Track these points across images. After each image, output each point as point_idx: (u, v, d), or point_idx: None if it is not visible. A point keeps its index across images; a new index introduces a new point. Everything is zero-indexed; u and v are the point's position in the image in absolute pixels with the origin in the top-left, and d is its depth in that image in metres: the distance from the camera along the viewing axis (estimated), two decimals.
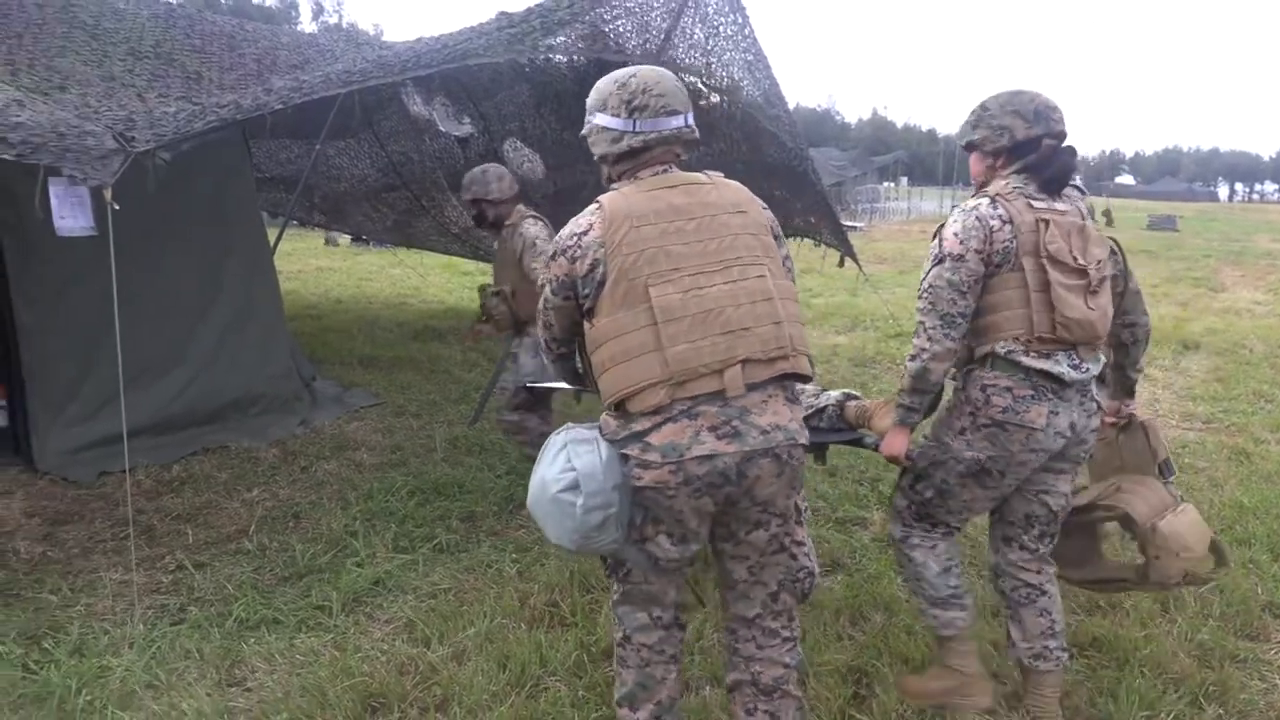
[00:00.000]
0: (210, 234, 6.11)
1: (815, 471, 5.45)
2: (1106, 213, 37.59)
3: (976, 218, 2.72)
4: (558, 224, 2.77)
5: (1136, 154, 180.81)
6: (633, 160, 2.50)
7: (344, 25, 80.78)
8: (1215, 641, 3.56)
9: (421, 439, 6.21)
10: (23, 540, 4.44)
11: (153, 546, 4.40)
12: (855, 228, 25.94)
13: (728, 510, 2.43)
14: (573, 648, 3.42)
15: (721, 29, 5.85)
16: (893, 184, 48.96)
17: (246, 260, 6.42)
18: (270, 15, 71.69)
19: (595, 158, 2.58)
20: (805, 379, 2.50)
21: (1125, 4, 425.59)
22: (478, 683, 3.20)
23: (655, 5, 5.49)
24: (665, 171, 2.50)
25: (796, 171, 6.70)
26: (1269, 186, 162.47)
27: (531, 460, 4.99)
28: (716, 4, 5.72)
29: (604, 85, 2.52)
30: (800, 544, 2.55)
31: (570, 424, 2.52)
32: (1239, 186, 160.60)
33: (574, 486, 2.32)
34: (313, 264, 17.30)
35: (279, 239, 7.82)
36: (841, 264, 7.82)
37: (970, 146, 2.90)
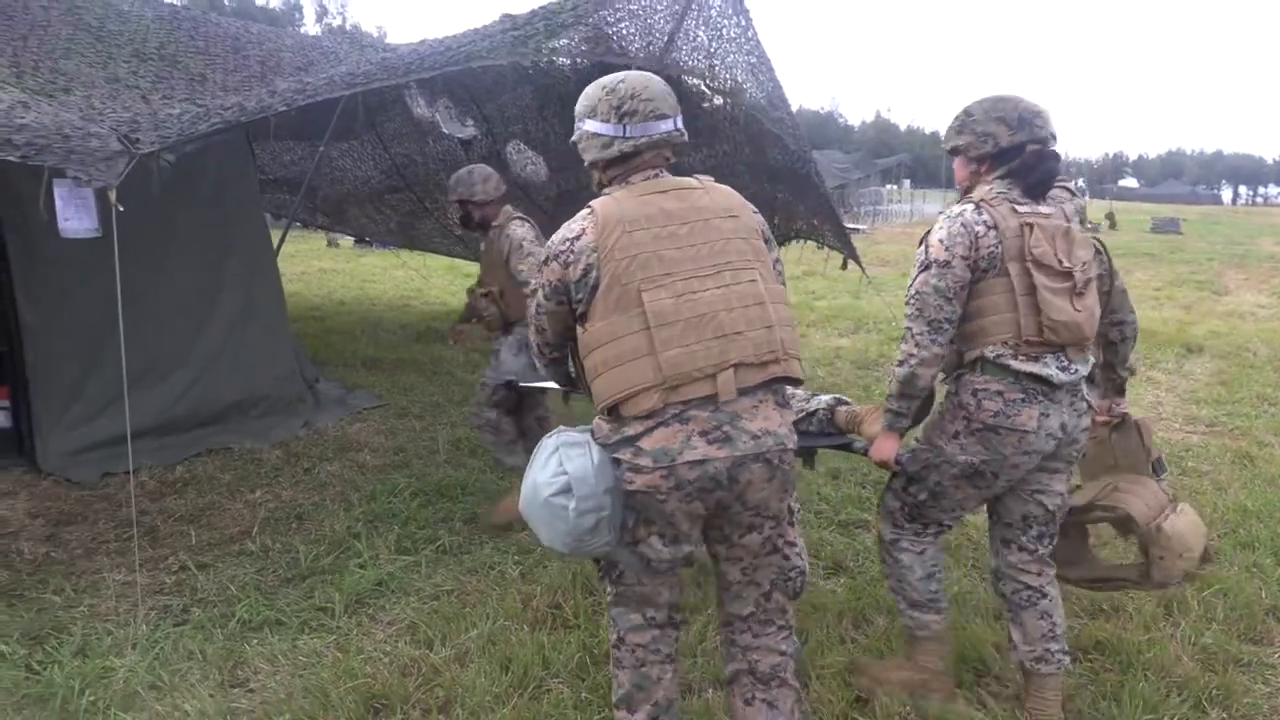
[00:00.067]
0: (213, 235, 6.12)
1: (818, 474, 5.45)
2: (1110, 215, 37.61)
3: (962, 224, 2.75)
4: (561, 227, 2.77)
5: (1140, 157, 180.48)
6: (624, 165, 2.52)
7: (348, 27, 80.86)
8: (1219, 645, 3.55)
9: (424, 441, 6.21)
10: (26, 541, 4.45)
11: (156, 547, 4.40)
12: (858, 230, 25.97)
13: (720, 514, 2.45)
14: (575, 650, 3.42)
15: (725, 31, 5.85)
16: (895, 186, 48.97)
17: (249, 262, 6.43)
18: (274, 17, 71.80)
19: (586, 164, 2.59)
20: (796, 382, 2.53)
21: (1129, 6, 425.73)
22: (480, 684, 3.20)
23: (659, 8, 5.50)
24: (656, 176, 2.51)
25: (800, 174, 6.70)
26: (1273, 190, 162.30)
27: (499, 462, 5.00)
28: (720, 6, 5.72)
29: (592, 92, 2.53)
30: (792, 544, 2.58)
31: (562, 427, 2.54)
32: (1243, 189, 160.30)
33: (566, 490, 2.33)
34: (316, 265, 17.34)
35: (282, 240, 7.82)
36: (844, 266, 7.81)
37: (955, 151, 2.93)
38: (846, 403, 3.44)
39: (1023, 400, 2.75)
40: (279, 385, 6.52)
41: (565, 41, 5.22)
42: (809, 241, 7.80)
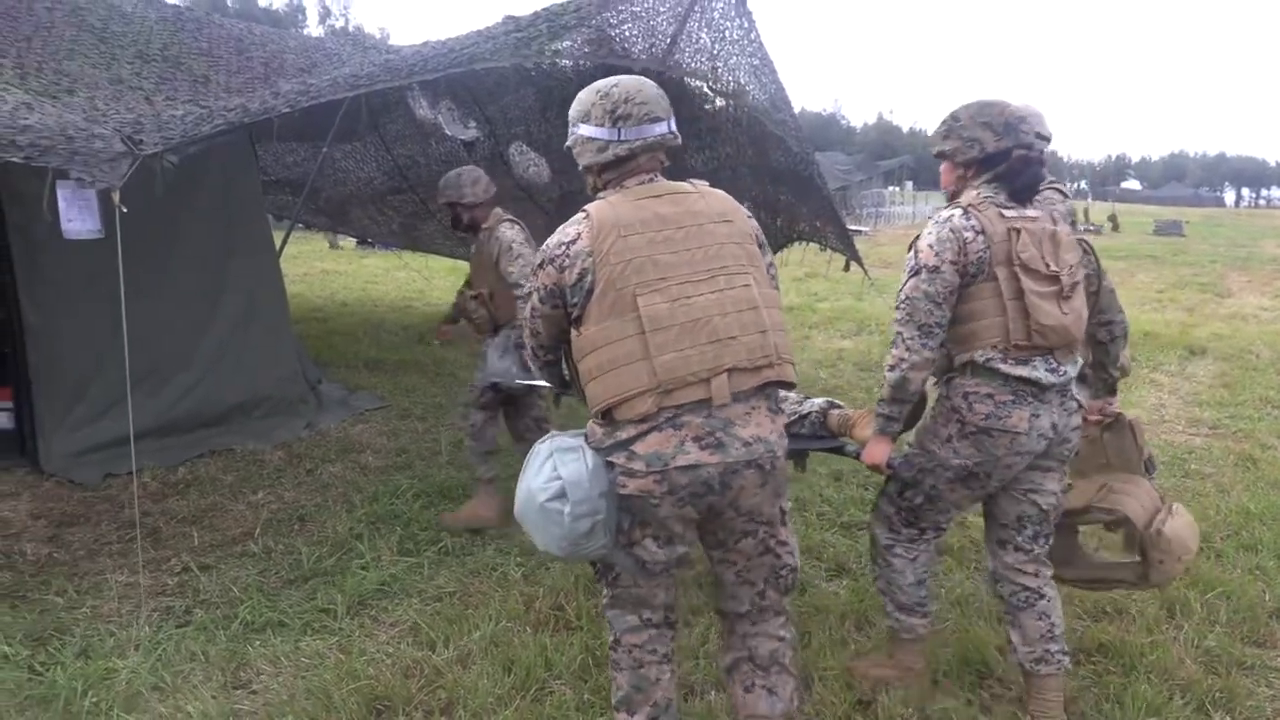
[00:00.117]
0: (216, 237, 6.13)
1: (820, 476, 5.45)
2: (1113, 218, 37.61)
3: (950, 229, 2.78)
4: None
5: (1143, 159, 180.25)
6: (618, 169, 2.52)
7: (350, 29, 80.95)
8: (1222, 648, 3.55)
9: (427, 442, 6.21)
10: (29, 542, 4.46)
11: (158, 549, 4.40)
12: (860, 232, 25.94)
13: (714, 520, 2.47)
14: (578, 651, 3.42)
15: (728, 33, 5.85)
16: (898, 188, 48.91)
17: (252, 263, 6.44)
18: (277, 19, 71.86)
19: (580, 168, 2.60)
20: (790, 386, 2.55)
21: (1131, 8, 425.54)
22: (483, 686, 3.20)
23: (661, 10, 5.50)
24: (651, 180, 2.52)
25: (802, 176, 6.70)
26: (1276, 192, 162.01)
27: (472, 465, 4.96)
28: (723, 8, 5.72)
29: (586, 96, 2.54)
30: (784, 543, 2.62)
31: (555, 431, 2.55)
32: (1245, 192, 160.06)
33: (561, 495, 2.35)
34: (318, 267, 17.35)
35: (285, 242, 7.83)
36: (847, 268, 7.81)
37: (942, 156, 2.97)
38: (839, 406, 3.47)
39: (1013, 402, 2.78)
40: (281, 386, 6.53)
41: (568, 43, 5.22)
42: (811, 243, 7.79)
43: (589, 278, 2.38)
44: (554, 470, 2.38)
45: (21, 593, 3.93)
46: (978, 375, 2.82)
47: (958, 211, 2.81)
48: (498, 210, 4.72)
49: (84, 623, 3.66)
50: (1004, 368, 2.77)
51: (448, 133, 7.09)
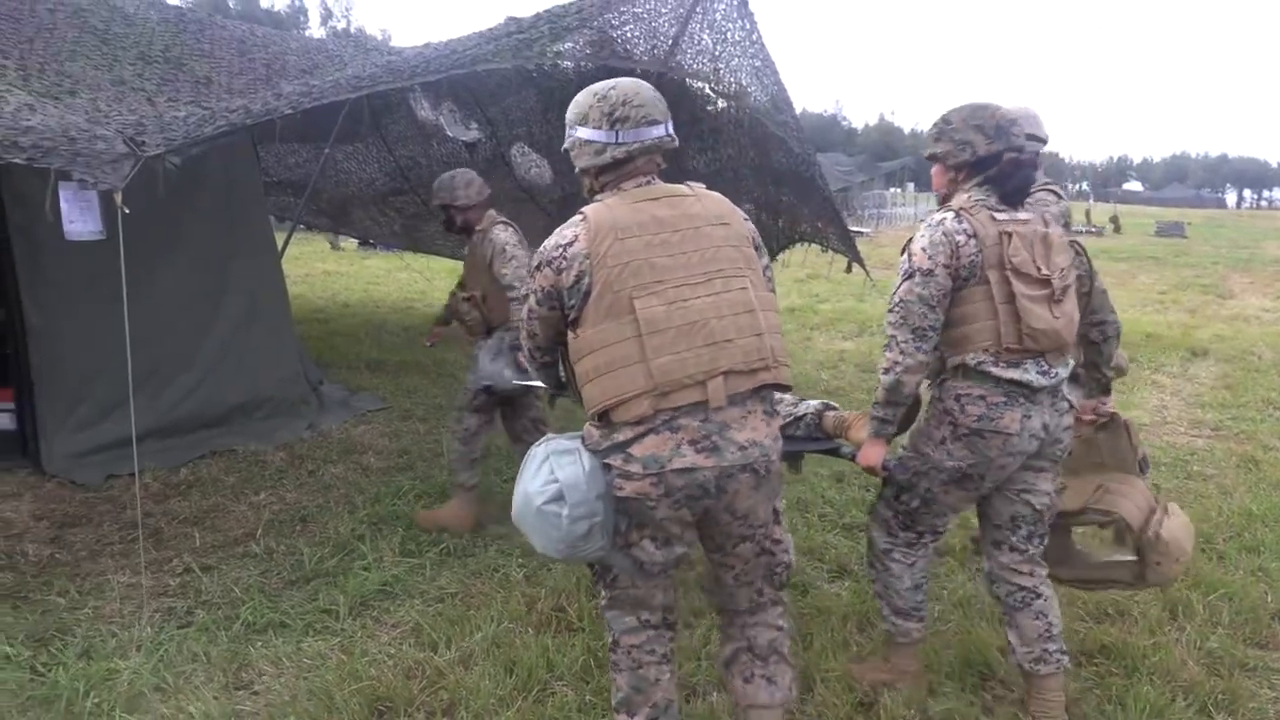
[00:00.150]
0: (218, 238, 6.13)
1: (823, 478, 5.45)
2: (1114, 219, 37.59)
3: (943, 232, 2.80)
4: None
5: (1144, 160, 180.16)
6: (616, 171, 2.53)
7: (352, 30, 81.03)
8: (1224, 649, 3.54)
9: (428, 443, 6.21)
10: (31, 543, 4.46)
11: (160, 549, 4.41)
12: (862, 233, 25.91)
13: (711, 524, 2.49)
14: (580, 653, 3.42)
15: (729, 35, 5.85)
16: (899, 190, 48.90)
17: (254, 264, 6.44)
18: (279, 20, 71.96)
19: (577, 170, 2.61)
20: (785, 389, 2.56)
21: (1134, 9, 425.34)
22: (485, 687, 3.20)
23: (663, 11, 5.50)
24: (648, 183, 2.53)
25: (804, 177, 6.70)
26: (1278, 193, 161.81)
27: (453, 470, 4.94)
28: (724, 10, 5.72)
29: (583, 99, 2.55)
30: (779, 542, 2.66)
31: (550, 435, 2.56)
32: (1247, 193, 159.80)
33: (559, 498, 2.36)
34: (320, 268, 17.36)
35: (286, 243, 7.83)
36: (849, 269, 7.81)
37: (933, 159, 2.99)
38: (834, 408, 3.48)
39: (1005, 404, 2.81)
40: (283, 387, 6.53)
41: (570, 45, 5.22)
42: (813, 244, 7.79)
43: (586, 280, 2.39)
44: (551, 473, 2.39)
45: (23, 593, 3.94)
46: (970, 378, 2.84)
47: (950, 215, 2.82)
48: (491, 212, 4.73)
49: (86, 623, 3.66)
50: (996, 371, 2.79)
51: (449, 134, 7.09)
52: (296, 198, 9.54)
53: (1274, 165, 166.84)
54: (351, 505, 5.01)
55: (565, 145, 2.62)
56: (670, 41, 5.70)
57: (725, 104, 6.41)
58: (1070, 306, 2.88)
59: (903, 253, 2.89)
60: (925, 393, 3.02)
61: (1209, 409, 7.55)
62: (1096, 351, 3.26)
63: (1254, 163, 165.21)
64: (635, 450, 2.35)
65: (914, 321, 2.79)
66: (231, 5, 66.11)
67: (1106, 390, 3.37)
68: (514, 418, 4.89)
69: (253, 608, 3.77)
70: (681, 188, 2.55)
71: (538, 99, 7.05)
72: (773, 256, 7.70)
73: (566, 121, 2.59)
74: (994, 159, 2.83)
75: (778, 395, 2.67)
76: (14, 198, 5.14)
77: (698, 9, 5.60)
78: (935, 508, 3.05)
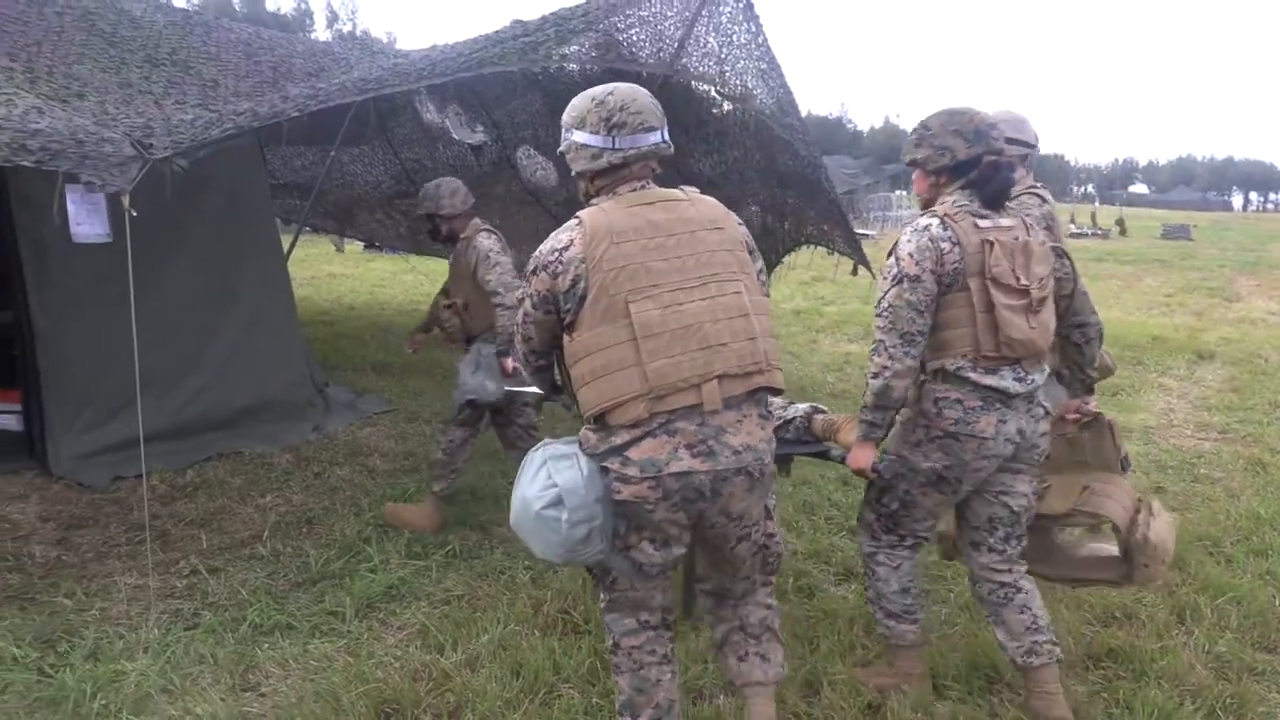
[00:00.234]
0: (224, 240, 6.14)
1: (828, 480, 5.45)
2: (1120, 221, 37.53)
3: (929, 239, 2.84)
4: None
5: (1150, 163, 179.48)
6: (611, 176, 2.55)
7: (358, 33, 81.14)
8: (1233, 654, 3.53)
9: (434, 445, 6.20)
10: (38, 544, 4.46)
11: (167, 551, 4.41)
12: (867, 235, 25.88)
13: (707, 527, 2.52)
14: (586, 655, 3.42)
15: (735, 37, 5.85)
16: (904, 192, 48.76)
17: (260, 266, 6.46)
18: (285, 23, 72.04)
19: (573, 174, 2.63)
20: (778, 392, 2.59)
21: (1139, 12, 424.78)
22: (491, 689, 3.20)
23: (669, 14, 5.51)
24: (643, 188, 2.55)
25: (810, 179, 6.69)
26: None
27: (430, 478, 4.93)
28: (730, 12, 5.73)
29: (580, 103, 2.56)
30: (771, 535, 2.73)
31: (546, 440, 2.58)
32: (1253, 196, 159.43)
33: (557, 502, 2.38)
34: (325, 270, 17.38)
35: (293, 245, 7.85)
36: (855, 272, 7.80)
37: (914, 164, 3.02)
38: (823, 411, 3.53)
39: (981, 408, 2.86)
40: (289, 390, 6.54)
41: (575, 48, 5.23)
42: (819, 247, 7.79)
43: (582, 284, 2.41)
44: (549, 478, 2.41)
45: (30, 595, 3.94)
46: (948, 382, 2.90)
47: (935, 221, 2.86)
48: (476, 220, 4.76)
49: (93, 625, 3.66)
50: (974, 376, 2.85)
51: (455, 137, 7.11)
52: (303, 200, 9.56)
53: None
54: (357, 507, 5.02)
55: (561, 148, 2.64)
56: (676, 44, 5.71)
57: (731, 107, 6.41)
58: (1047, 316, 2.93)
59: (889, 256, 2.93)
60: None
61: (1216, 412, 7.53)
62: (1079, 353, 3.29)
63: (1260, 165, 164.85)
64: (633, 454, 2.37)
65: (902, 327, 2.84)
66: (237, 8, 66.25)
67: (1090, 390, 3.40)
68: (504, 425, 4.91)
69: (259, 609, 3.78)
70: (676, 192, 2.57)
71: (543, 102, 7.07)
72: (778, 259, 7.72)
73: (563, 125, 2.61)
74: (974, 163, 2.88)
75: (770, 399, 2.70)
76: (21, 200, 5.15)
77: (703, 12, 5.60)
78: (915, 511, 3.10)
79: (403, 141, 8.44)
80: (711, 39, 5.83)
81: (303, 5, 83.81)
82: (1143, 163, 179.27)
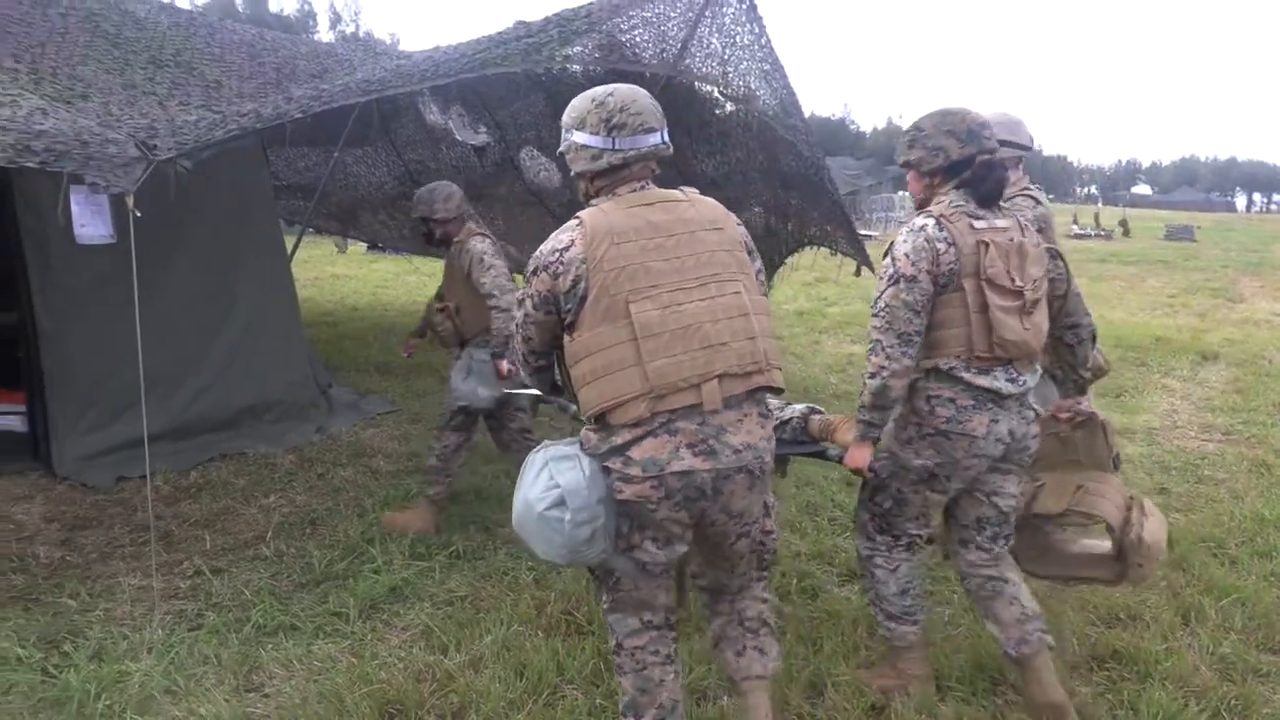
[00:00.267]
0: (228, 241, 6.14)
1: (832, 481, 5.44)
2: (1123, 222, 37.47)
3: (925, 239, 2.85)
4: None
5: (1153, 164, 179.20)
6: (611, 177, 2.56)
7: (360, 34, 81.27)
8: (1237, 655, 3.53)
9: None
10: (42, 545, 4.47)
11: (171, 552, 4.42)
12: (870, 236, 25.89)
13: (707, 525, 2.53)
14: (590, 656, 3.42)
15: (738, 38, 5.86)
16: (907, 193, 48.90)
17: (263, 267, 6.46)
18: (288, 25, 72.15)
19: (572, 174, 2.64)
20: (778, 391, 2.61)
21: (1142, 12, 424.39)
22: (495, 690, 3.20)
23: (672, 15, 5.51)
24: (643, 188, 2.56)
25: (813, 180, 6.69)
26: None
27: (423, 481, 4.92)
28: (733, 14, 5.73)
29: (580, 104, 2.57)
30: (769, 532, 2.74)
31: (546, 441, 2.59)
32: (1257, 197, 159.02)
33: (560, 503, 2.38)
34: (329, 271, 17.39)
35: (296, 246, 7.85)
36: (858, 273, 7.79)
37: (908, 165, 3.04)
38: (819, 411, 3.54)
39: (973, 407, 2.89)
40: (293, 390, 6.54)
41: (579, 49, 5.23)
42: (822, 248, 7.79)
43: (583, 284, 2.42)
44: (551, 479, 2.41)
45: (35, 595, 3.95)
46: (941, 381, 2.92)
47: (931, 221, 2.88)
48: (470, 224, 4.77)
49: (97, 626, 3.67)
50: (967, 376, 2.88)
51: (458, 138, 7.12)
52: (306, 201, 9.57)
53: None
54: (361, 508, 5.02)
55: (561, 149, 2.65)
56: (679, 45, 5.71)
57: (734, 108, 6.41)
58: (1040, 317, 2.95)
59: (885, 256, 2.95)
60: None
61: (1219, 413, 7.52)
62: (1071, 353, 3.30)
63: (1264, 166, 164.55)
64: (634, 453, 2.39)
65: (899, 327, 2.85)
66: (241, 9, 66.37)
67: (1083, 390, 3.41)
68: (499, 429, 4.92)
69: (263, 610, 3.78)
70: (675, 193, 2.58)
71: (546, 103, 7.07)
72: (782, 260, 7.72)
73: (563, 125, 2.62)
74: (967, 162, 2.90)
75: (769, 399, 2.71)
76: (25, 201, 5.16)
77: (706, 13, 5.61)
78: (907, 510, 3.11)
79: (406, 143, 8.44)
80: (715, 40, 5.83)
81: (306, 6, 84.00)
82: (1146, 164, 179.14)
